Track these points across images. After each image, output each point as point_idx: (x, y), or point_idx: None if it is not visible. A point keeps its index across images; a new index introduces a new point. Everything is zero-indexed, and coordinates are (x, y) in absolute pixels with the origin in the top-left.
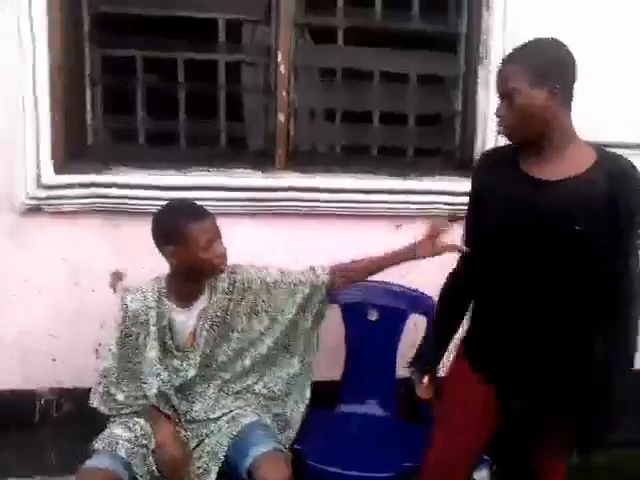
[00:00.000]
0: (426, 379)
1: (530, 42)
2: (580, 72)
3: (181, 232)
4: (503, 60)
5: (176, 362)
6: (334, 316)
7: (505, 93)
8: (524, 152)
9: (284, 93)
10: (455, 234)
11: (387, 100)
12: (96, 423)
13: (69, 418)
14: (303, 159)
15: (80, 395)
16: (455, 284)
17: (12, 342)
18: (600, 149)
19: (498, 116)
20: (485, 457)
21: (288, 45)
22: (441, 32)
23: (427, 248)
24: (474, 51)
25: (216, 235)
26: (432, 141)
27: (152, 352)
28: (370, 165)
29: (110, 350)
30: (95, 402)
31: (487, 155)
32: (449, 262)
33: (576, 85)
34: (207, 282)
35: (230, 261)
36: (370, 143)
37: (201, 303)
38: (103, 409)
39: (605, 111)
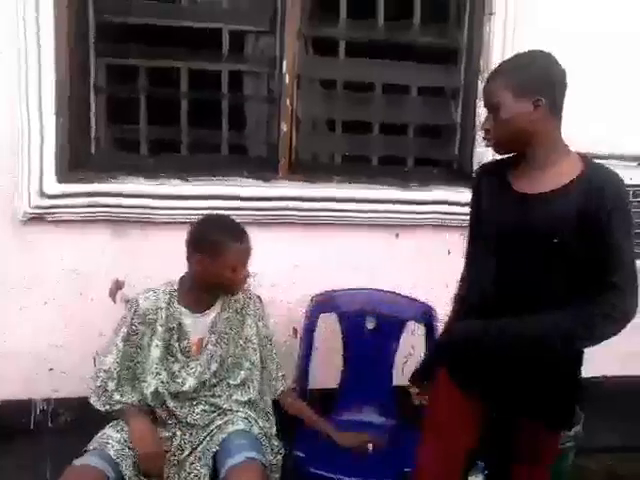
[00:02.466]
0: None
1: (516, 55)
2: (588, 85)
3: (218, 247)
4: (489, 73)
5: (176, 367)
6: (332, 324)
7: (491, 106)
8: (514, 164)
9: (288, 102)
10: (452, 242)
11: (388, 111)
12: (92, 432)
13: (65, 428)
14: (305, 168)
15: (76, 405)
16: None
17: (12, 351)
18: (590, 163)
19: (484, 130)
20: (479, 462)
21: (293, 55)
22: (442, 45)
23: (348, 440)
24: (474, 63)
25: (247, 260)
26: (432, 152)
27: (155, 351)
28: (371, 175)
29: (116, 345)
30: (92, 399)
31: (484, 167)
32: (447, 270)
33: (591, 99)
34: (221, 296)
35: None
36: (371, 153)
37: (211, 314)
38: (99, 405)
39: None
